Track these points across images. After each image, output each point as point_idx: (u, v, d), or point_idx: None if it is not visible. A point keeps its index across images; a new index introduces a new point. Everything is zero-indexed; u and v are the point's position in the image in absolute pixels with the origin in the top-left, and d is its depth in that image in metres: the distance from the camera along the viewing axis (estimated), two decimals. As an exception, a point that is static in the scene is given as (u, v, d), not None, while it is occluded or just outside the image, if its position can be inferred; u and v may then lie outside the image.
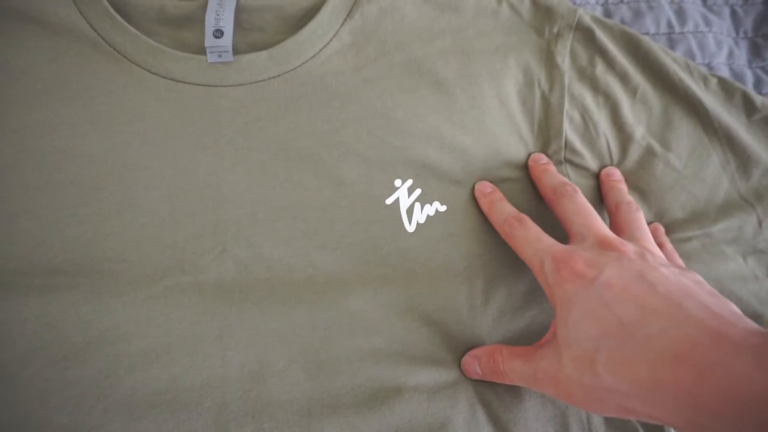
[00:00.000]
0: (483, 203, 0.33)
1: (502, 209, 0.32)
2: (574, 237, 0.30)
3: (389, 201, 0.33)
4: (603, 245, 0.28)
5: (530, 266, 0.29)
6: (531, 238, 0.30)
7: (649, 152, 0.36)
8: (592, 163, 0.36)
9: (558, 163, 0.35)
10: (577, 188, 0.32)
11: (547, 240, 0.29)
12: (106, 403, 0.29)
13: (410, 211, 0.33)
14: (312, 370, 0.31)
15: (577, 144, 0.36)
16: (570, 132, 0.36)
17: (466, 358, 0.31)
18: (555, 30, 0.37)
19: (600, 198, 0.36)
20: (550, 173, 0.34)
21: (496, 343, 0.32)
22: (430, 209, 0.34)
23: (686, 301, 0.22)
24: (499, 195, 0.33)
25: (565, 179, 0.33)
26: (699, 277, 0.25)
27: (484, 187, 0.34)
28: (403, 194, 0.33)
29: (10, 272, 0.30)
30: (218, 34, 0.33)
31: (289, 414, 0.30)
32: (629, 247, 0.27)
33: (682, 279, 0.24)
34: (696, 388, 0.19)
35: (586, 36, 0.37)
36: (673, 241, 0.35)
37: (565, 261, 0.26)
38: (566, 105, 0.36)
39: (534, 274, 0.29)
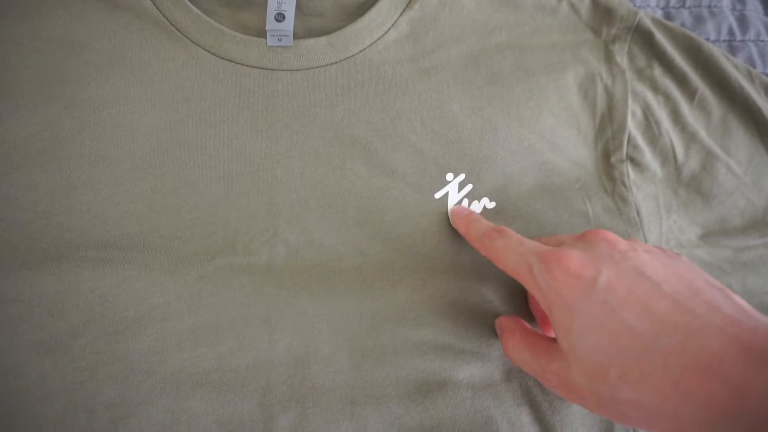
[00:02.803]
0: (460, 223, 0.32)
1: (480, 225, 0.30)
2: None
3: (438, 195, 0.33)
4: (579, 239, 0.26)
5: (515, 274, 0.27)
6: (513, 244, 0.27)
7: (712, 155, 0.35)
8: (653, 163, 0.35)
9: (619, 161, 0.35)
10: (503, 228, 0.29)
11: (531, 243, 0.27)
12: (154, 380, 0.29)
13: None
14: (357, 359, 0.30)
15: (639, 140, 0.35)
16: (632, 127, 0.35)
17: (496, 323, 0.31)
18: (613, 31, 0.36)
19: (660, 206, 0.35)
20: (476, 221, 0.31)
21: (515, 317, 0.30)
22: (478, 206, 0.33)
23: (697, 305, 0.21)
24: (476, 215, 0.32)
25: (493, 225, 0.30)
26: (686, 260, 0.24)
27: (460, 210, 0.32)
28: (453, 189, 0.33)
29: (65, 243, 0.30)
30: (279, 17, 0.33)
31: (332, 401, 0.30)
32: (608, 236, 0.25)
33: (678, 269, 0.23)
34: (735, 405, 0.18)
35: (645, 39, 0.36)
36: (731, 250, 0.34)
37: (557, 260, 0.24)
38: (629, 99, 0.35)
39: (521, 282, 0.26)
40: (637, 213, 0.34)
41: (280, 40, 0.33)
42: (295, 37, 0.34)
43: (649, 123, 0.35)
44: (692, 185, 0.35)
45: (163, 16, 0.33)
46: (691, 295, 0.22)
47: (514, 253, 0.27)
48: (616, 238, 0.25)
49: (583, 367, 0.23)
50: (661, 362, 0.20)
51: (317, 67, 0.34)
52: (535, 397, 0.31)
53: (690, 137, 0.35)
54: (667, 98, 0.36)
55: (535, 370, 0.26)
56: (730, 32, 0.40)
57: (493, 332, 0.31)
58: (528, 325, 0.29)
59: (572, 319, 0.23)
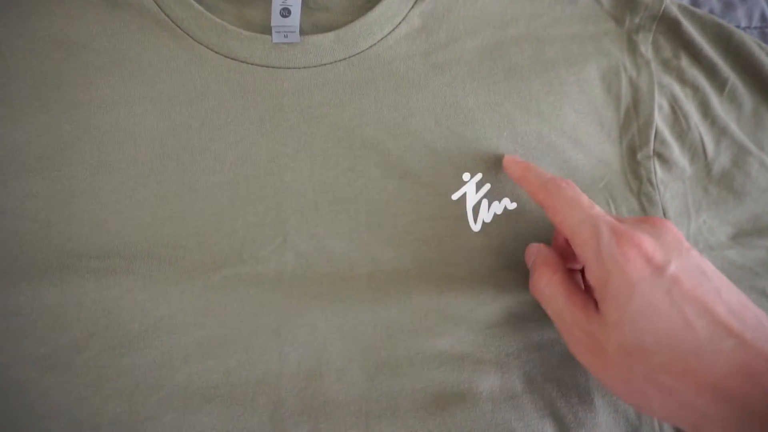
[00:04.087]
0: (516, 168, 0.30)
1: (543, 172, 0.29)
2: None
3: (456, 196, 0.32)
4: (644, 222, 0.26)
5: (573, 233, 0.26)
6: (583, 203, 0.26)
7: (744, 150, 0.33)
8: (681, 159, 0.33)
9: (646, 158, 0.33)
10: (570, 181, 0.28)
11: (599, 209, 0.26)
12: (161, 394, 0.28)
13: (476, 209, 0.32)
14: (371, 371, 0.29)
15: (667, 135, 0.33)
16: (659, 121, 0.33)
17: (529, 248, 0.30)
18: (636, 20, 0.34)
19: (689, 205, 0.33)
20: (536, 168, 0.30)
21: (558, 257, 0.28)
22: (498, 207, 0.32)
23: (747, 317, 0.22)
24: (534, 165, 0.30)
25: (554, 176, 0.29)
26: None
27: (516, 158, 0.31)
28: (470, 189, 0.32)
29: (66, 253, 0.29)
30: (285, 12, 0.31)
31: (346, 415, 0.28)
32: (674, 228, 0.25)
33: (727, 280, 0.24)
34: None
35: (671, 27, 0.34)
36: (765, 250, 0.32)
37: (630, 238, 0.24)
38: (656, 91, 0.33)
39: (574, 243, 0.26)
40: (664, 214, 0.32)
41: (285, 36, 0.32)
42: (302, 33, 0.32)
43: (677, 117, 0.33)
44: (723, 182, 0.33)
45: (164, 13, 0.32)
46: (742, 307, 0.22)
47: (581, 212, 0.26)
48: (681, 233, 0.25)
49: (624, 343, 0.23)
50: (709, 362, 0.21)
51: (325, 64, 0.32)
52: (558, 409, 0.29)
53: (720, 131, 0.33)
54: (696, 90, 0.34)
55: (564, 318, 0.26)
56: (763, 18, 0.38)
57: (514, 341, 0.30)
58: (571, 272, 0.28)
59: (630, 297, 0.23)
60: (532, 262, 0.29)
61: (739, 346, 0.21)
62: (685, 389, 0.21)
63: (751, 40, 0.34)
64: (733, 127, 0.34)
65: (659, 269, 0.23)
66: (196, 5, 0.32)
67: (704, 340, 0.21)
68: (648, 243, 0.24)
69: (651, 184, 0.33)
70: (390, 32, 0.33)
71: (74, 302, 0.28)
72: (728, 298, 0.23)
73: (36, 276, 0.29)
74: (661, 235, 0.25)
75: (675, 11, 0.34)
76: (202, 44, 0.32)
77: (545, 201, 0.28)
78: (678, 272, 0.23)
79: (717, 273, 0.24)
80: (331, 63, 0.32)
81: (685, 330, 0.22)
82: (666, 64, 0.34)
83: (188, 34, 0.32)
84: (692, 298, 0.22)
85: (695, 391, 0.21)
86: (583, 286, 0.27)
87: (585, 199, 0.27)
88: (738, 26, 0.38)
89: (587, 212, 0.26)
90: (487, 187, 0.32)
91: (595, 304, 0.25)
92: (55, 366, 0.28)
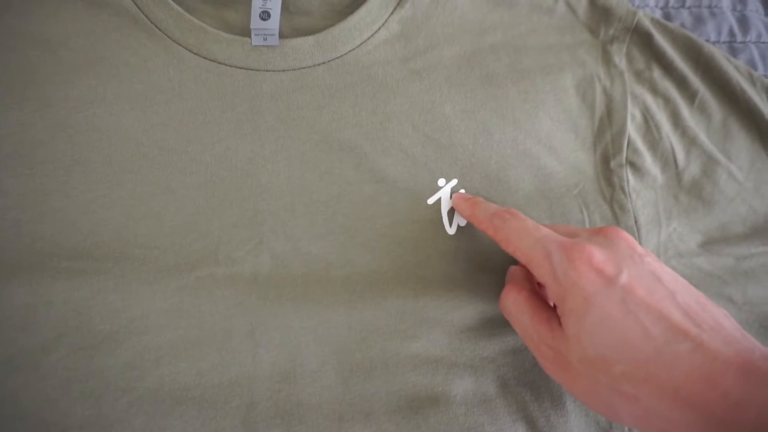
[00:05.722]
0: (464, 205, 0.31)
1: (488, 206, 0.30)
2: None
3: (431, 201, 0.32)
4: (597, 234, 0.26)
5: (527, 258, 0.26)
6: (529, 228, 0.27)
7: (713, 160, 0.34)
8: (653, 168, 0.34)
9: (619, 166, 0.33)
10: (513, 210, 0.28)
11: (547, 230, 0.27)
12: (131, 396, 0.28)
13: (451, 213, 0.32)
14: (345, 373, 0.29)
15: (639, 144, 0.34)
16: (632, 130, 0.34)
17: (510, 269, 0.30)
18: (611, 32, 0.35)
19: (660, 213, 0.34)
20: (483, 203, 0.30)
21: (525, 275, 0.29)
22: None
23: (704, 320, 0.22)
24: (481, 199, 0.31)
25: (502, 207, 0.29)
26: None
27: (463, 195, 0.32)
28: (445, 195, 0.32)
29: (37, 252, 0.29)
30: (265, 15, 0.32)
31: (319, 418, 0.28)
32: (627, 236, 0.25)
33: (685, 283, 0.24)
34: (730, 418, 0.19)
35: (644, 40, 0.35)
36: (733, 258, 0.33)
37: (579, 252, 0.24)
38: (629, 101, 0.34)
39: (531, 267, 0.26)
40: (635, 221, 0.33)
41: (265, 39, 0.32)
42: (281, 36, 0.33)
43: (649, 126, 0.34)
44: (693, 191, 0.34)
45: (143, 13, 0.32)
46: (699, 309, 0.22)
47: (529, 238, 0.26)
48: (634, 241, 0.26)
49: (586, 355, 0.23)
50: (668, 367, 0.21)
51: (304, 68, 0.32)
52: (531, 413, 0.29)
53: (690, 141, 0.34)
54: (667, 101, 0.35)
55: (531, 336, 0.26)
56: (731, 33, 0.39)
57: (489, 345, 0.30)
58: (537, 287, 0.29)
59: (587, 311, 0.23)
60: (506, 282, 0.29)
61: (696, 349, 0.21)
62: (648, 396, 0.21)
63: (720, 54, 0.35)
64: (703, 137, 0.34)
65: (611, 280, 0.23)
66: (175, 6, 0.32)
67: (662, 346, 0.21)
68: (598, 255, 0.24)
69: (623, 191, 0.33)
70: (369, 37, 0.33)
71: (44, 302, 0.28)
72: (684, 300, 0.23)
73: (4, 275, 0.28)
74: (612, 245, 0.25)
75: (648, 24, 0.35)
76: (180, 45, 0.32)
77: (495, 236, 0.28)
78: (630, 280, 0.23)
79: (673, 276, 0.24)
80: (310, 67, 0.32)
81: (643, 337, 0.22)
82: (639, 75, 0.35)
83: (167, 35, 0.32)
84: (646, 305, 0.22)
85: (658, 398, 0.21)
86: (551, 303, 0.28)
87: (530, 223, 0.27)
88: (708, 40, 0.39)
89: (534, 236, 0.26)
90: (461, 192, 0.32)
91: (559, 319, 0.25)
92: (22, 367, 0.27)
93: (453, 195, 0.32)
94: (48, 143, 0.30)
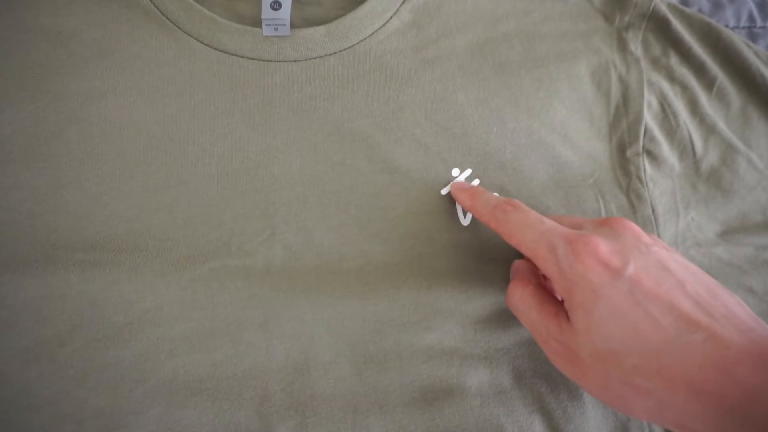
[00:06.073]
0: (464, 196, 0.30)
1: (489, 197, 0.29)
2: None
3: (445, 191, 0.31)
4: (602, 225, 0.26)
5: (531, 252, 0.26)
6: (532, 221, 0.26)
7: (732, 148, 0.34)
8: (670, 156, 0.33)
9: (635, 155, 0.33)
10: (515, 201, 0.28)
11: (551, 222, 0.26)
12: (146, 387, 0.28)
13: None
14: (359, 365, 0.29)
15: (656, 132, 0.33)
16: (649, 118, 0.33)
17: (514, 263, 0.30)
18: (626, 18, 0.35)
19: (678, 202, 0.33)
20: (484, 193, 0.30)
21: (531, 269, 0.28)
22: None
23: (715, 308, 0.21)
24: (481, 188, 0.30)
25: (504, 198, 0.29)
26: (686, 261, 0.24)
27: (463, 183, 0.31)
28: None
29: (51, 245, 0.29)
30: (276, 6, 0.31)
31: (333, 409, 0.28)
32: (633, 226, 0.25)
33: (695, 270, 0.24)
34: (746, 409, 0.19)
35: (660, 26, 0.35)
36: (753, 248, 0.32)
37: (585, 244, 0.23)
38: (645, 89, 0.33)
39: (536, 261, 0.26)
40: (653, 211, 0.32)
41: (276, 29, 0.32)
42: (292, 26, 0.32)
43: (666, 114, 0.34)
44: (711, 180, 0.33)
45: (154, 5, 0.32)
46: (710, 298, 0.22)
47: (533, 231, 0.26)
48: (641, 230, 0.25)
49: (596, 349, 0.23)
50: (680, 358, 0.21)
51: (316, 58, 0.32)
52: (547, 405, 0.29)
53: (709, 129, 0.34)
54: (685, 88, 0.34)
55: (539, 331, 0.26)
56: (751, 18, 0.38)
57: (503, 336, 0.30)
58: (544, 281, 0.28)
59: (595, 304, 0.23)
60: (511, 278, 0.29)
61: (708, 339, 0.20)
62: (661, 389, 0.21)
63: (739, 40, 0.34)
64: (721, 125, 0.34)
65: (618, 272, 0.23)
66: (186, -3, 0.32)
67: (673, 337, 0.21)
68: (604, 247, 0.23)
69: (640, 180, 0.33)
70: (381, 27, 0.33)
71: (58, 295, 0.28)
72: (694, 289, 0.22)
73: (19, 267, 0.28)
74: (618, 236, 0.24)
75: (664, 10, 0.35)
76: (191, 36, 0.32)
77: (498, 228, 0.28)
78: (638, 272, 0.23)
79: (682, 265, 0.23)
80: (321, 57, 0.32)
81: (653, 329, 0.21)
82: (655, 62, 0.34)
83: (178, 26, 0.32)
84: (655, 295, 0.22)
85: (671, 390, 0.21)
86: (558, 297, 0.27)
87: (533, 215, 0.27)
88: (726, 26, 0.38)
89: (538, 230, 0.26)
90: (476, 182, 0.32)
91: (567, 314, 0.25)
92: (38, 358, 0.27)
93: (452, 184, 0.31)
94: (61, 136, 0.30)
